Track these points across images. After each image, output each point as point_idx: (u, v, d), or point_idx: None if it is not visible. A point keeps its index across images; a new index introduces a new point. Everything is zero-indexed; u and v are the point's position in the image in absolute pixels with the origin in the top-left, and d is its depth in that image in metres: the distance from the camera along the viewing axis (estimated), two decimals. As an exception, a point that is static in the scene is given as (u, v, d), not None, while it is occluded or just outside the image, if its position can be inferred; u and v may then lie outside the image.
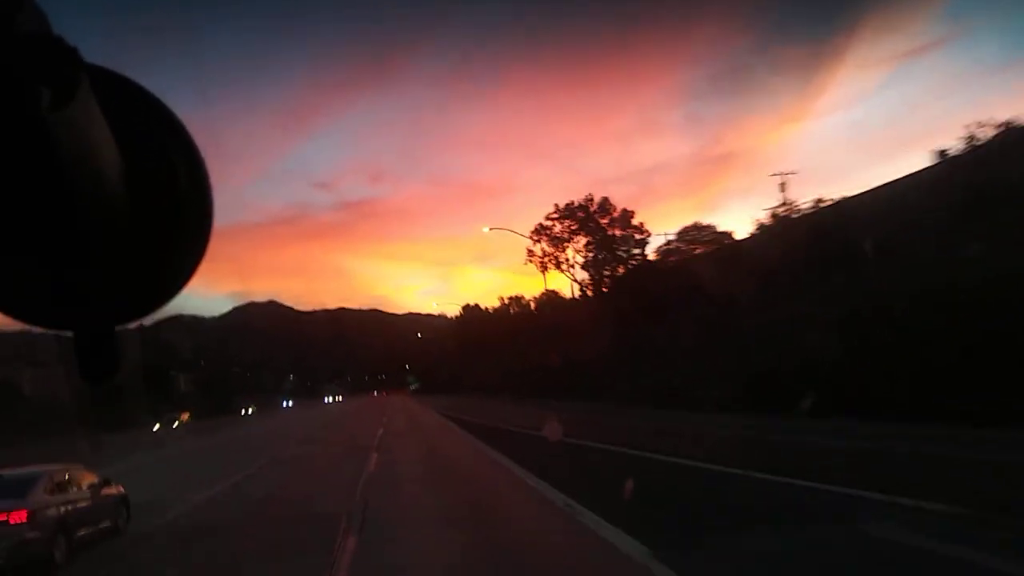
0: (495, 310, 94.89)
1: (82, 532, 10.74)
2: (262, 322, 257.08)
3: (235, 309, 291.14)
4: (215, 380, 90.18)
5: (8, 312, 0.94)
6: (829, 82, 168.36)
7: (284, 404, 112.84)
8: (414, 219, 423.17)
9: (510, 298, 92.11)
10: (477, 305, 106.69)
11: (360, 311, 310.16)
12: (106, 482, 11.86)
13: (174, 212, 0.97)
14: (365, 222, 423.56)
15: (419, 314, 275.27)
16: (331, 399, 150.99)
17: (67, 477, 10.94)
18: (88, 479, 11.41)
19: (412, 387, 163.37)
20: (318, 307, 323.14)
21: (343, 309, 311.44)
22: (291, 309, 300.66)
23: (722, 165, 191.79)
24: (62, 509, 10.26)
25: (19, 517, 9.37)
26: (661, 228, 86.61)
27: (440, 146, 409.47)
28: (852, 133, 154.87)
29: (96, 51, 0.90)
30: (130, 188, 0.90)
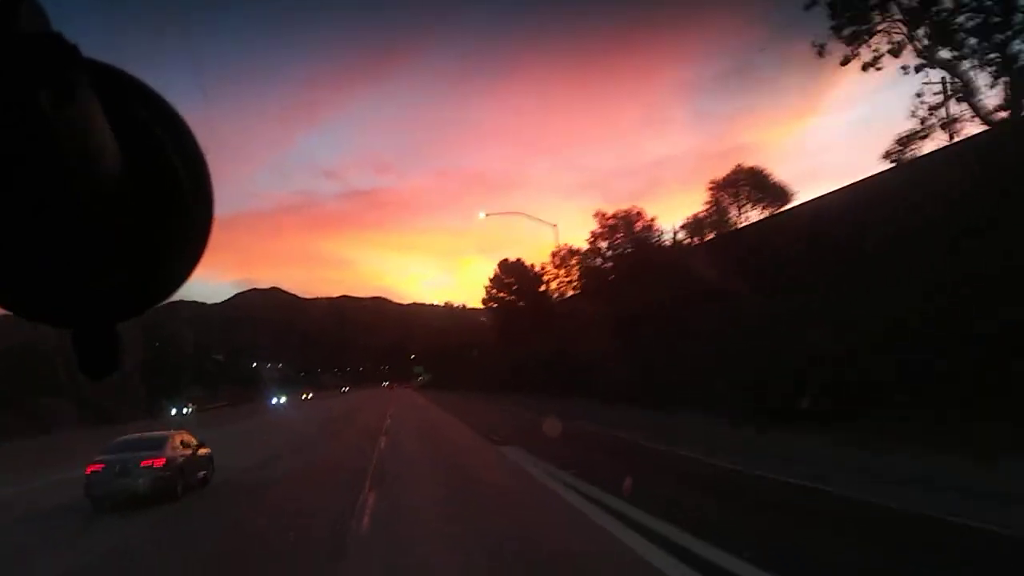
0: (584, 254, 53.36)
1: (190, 477, 15.70)
2: (264, 309, 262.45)
3: (237, 295, 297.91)
4: (149, 369, 71.80)
5: (9, 308, 0.98)
6: (836, 79, 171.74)
7: (176, 410, 76.74)
8: (419, 210, 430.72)
9: (612, 217, 49.40)
10: (520, 261, 70.93)
11: (363, 299, 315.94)
12: (202, 444, 16.84)
13: (174, 207, 1.00)
14: (371, 212, 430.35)
15: (423, 304, 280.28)
16: (280, 400, 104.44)
17: (182, 439, 15.93)
18: (193, 441, 16.37)
19: (420, 379, 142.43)
20: (321, 295, 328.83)
21: (346, 297, 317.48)
22: (294, 296, 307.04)
23: (728, 160, 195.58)
24: (181, 459, 15.24)
25: (159, 463, 14.38)
26: (666, 222, 70.87)
27: (446, 138, 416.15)
28: (859, 129, 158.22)
29: (97, 44, 0.91)
30: (130, 184, 0.93)
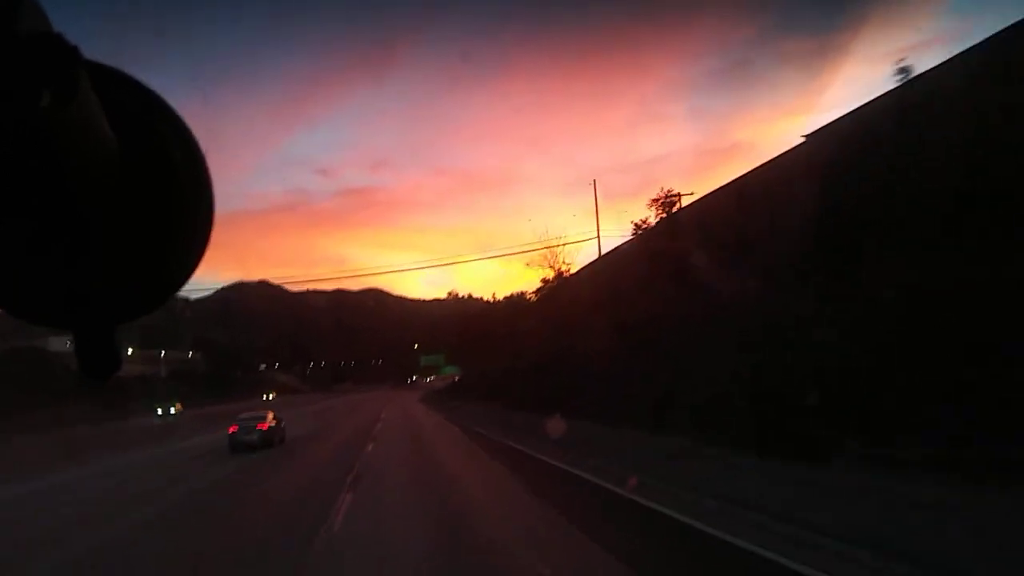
0: None
1: (277, 436, 30.92)
2: (251, 302, 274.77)
3: (224, 288, 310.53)
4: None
5: (10, 311, 1.05)
6: (833, 76, 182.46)
7: None
8: (415, 208, 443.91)
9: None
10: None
11: (358, 292, 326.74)
12: (279, 419, 32.02)
13: (175, 209, 1.08)
14: (365, 210, 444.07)
15: (420, 300, 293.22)
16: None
17: (272, 414, 31.13)
18: (274, 415, 31.50)
19: (444, 372, 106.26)
20: (312, 288, 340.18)
21: (340, 291, 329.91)
22: (283, 289, 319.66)
23: (724, 158, 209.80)
24: (272, 426, 30.48)
25: (264, 427, 29.74)
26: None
27: (441, 136, 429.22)
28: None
29: (95, 44, 1.00)
30: (130, 184, 1.01)
